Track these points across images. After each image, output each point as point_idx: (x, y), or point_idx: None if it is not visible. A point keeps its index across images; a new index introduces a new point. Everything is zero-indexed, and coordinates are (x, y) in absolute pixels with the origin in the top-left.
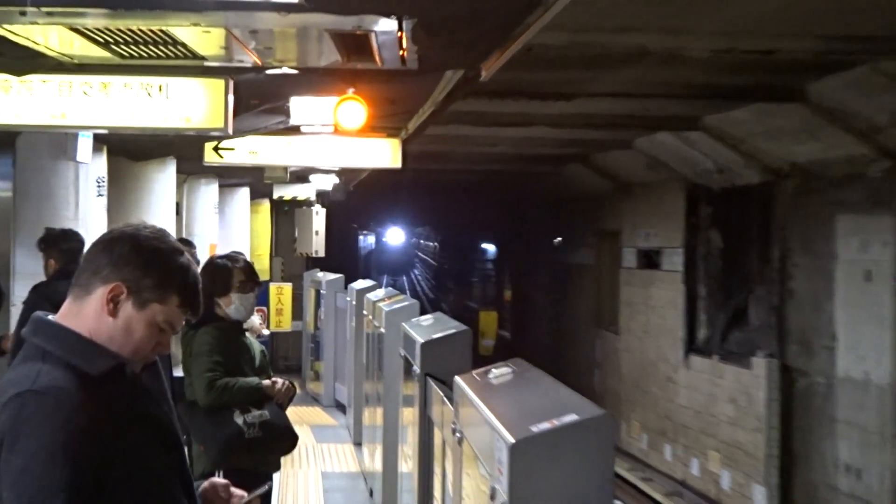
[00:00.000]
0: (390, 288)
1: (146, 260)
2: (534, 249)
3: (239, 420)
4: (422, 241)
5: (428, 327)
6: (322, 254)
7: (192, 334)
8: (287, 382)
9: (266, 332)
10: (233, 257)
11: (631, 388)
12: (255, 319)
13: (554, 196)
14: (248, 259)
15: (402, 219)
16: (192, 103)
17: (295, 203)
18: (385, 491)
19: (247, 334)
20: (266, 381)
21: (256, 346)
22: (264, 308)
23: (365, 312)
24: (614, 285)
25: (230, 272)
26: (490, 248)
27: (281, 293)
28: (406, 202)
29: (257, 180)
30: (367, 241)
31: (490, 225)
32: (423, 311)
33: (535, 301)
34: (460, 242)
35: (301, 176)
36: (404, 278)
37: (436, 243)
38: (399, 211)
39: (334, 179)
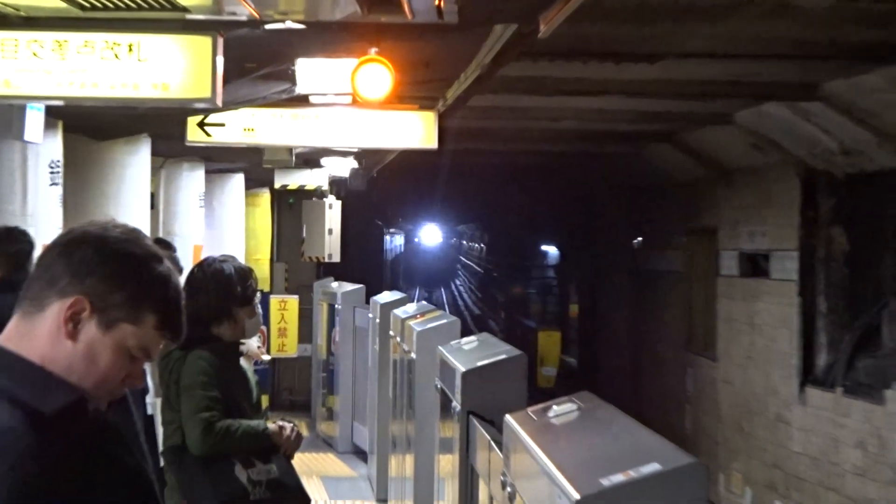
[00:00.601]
0: (424, 302)
1: (115, 268)
2: (607, 253)
3: (242, 477)
4: (464, 243)
5: (471, 352)
6: (337, 258)
7: (180, 358)
8: (296, 428)
9: (266, 357)
10: (232, 260)
11: (731, 429)
12: (253, 342)
13: (632, 185)
14: (241, 262)
15: (440, 214)
16: (172, 67)
17: (302, 194)
18: None
19: (242, 361)
20: (272, 426)
21: (251, 374)
22: (263, 328)
23: (392, 333)
24: (710, 298)
25: (230, 278)
26: (551, 251)
27: (284, 308)
28: (444, 193)
29: (254, 165)
30: (395, 242)
31: (551, 222)
32: (465, 332)
33: (609, 319)
34: (513, 244)
35: (310, 160)
36: (442, 291)
37: (482, 245)
38: (435, 204)
39: (352, 164)
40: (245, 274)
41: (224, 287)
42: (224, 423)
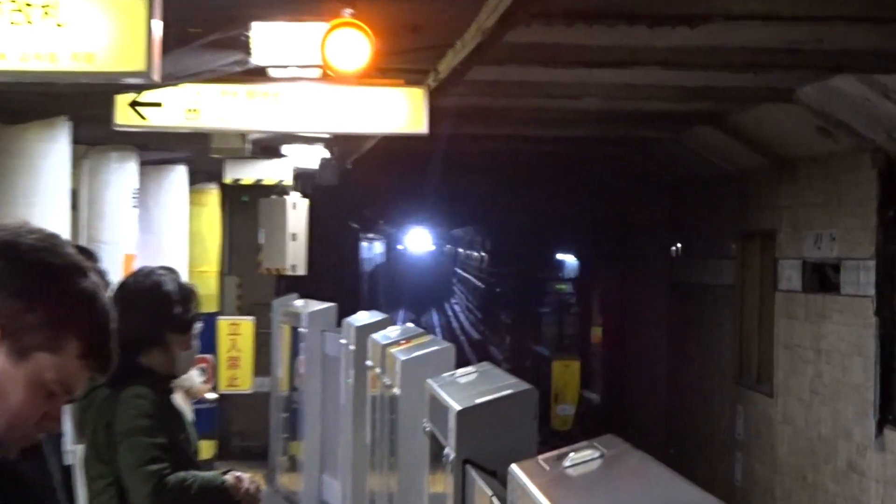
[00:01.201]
0: (410, 324)
1: (29, 283)
2: (639, 263)
3: None
4: (461, 251)
5: (469, 386)
6: (302, 270)
7: (109, 396)
8: (255, 481)
9: (212, 394)
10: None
11: (792, 480)
12: (195, 375)
13: (670, 179)
14: (183, 279)
15: (431, 216)
16: (97, 33)
17: (259, 191)
18: None
19: (174, 396)
20: (229, 477)
21: (188, 416)
22: (209, 356)
23: (369, 363)
24: (766, 318)
25: (169, 297)
26: (569, 260)
27: (237, 333)
28: (436, 190)
29: (200, 155)
30: (374, 250)
31: (569, 225)
32: (461, 361)
33: (641, 344)
34: (521, 252)
35: (269, 148)
36: (434, 313)
37: (482, 253)
38: (425, 203)
39: (322, 153)
40: (188, 294)
41: (161, 306)
42: (176, 476)
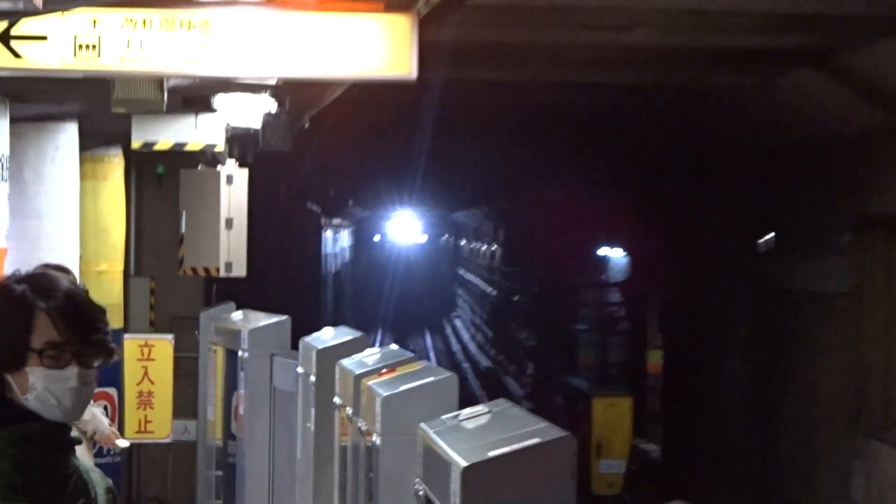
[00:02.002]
0: (393, 346)
1: None
2: (713, 261)
3: None
4: (463, 243)
5: (477, 433)
6: (241, 270)
7: None
8: None
9: (123, 443)
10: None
11: None
12: (101, 418)
13: (755, 144)
14: (74, 282)
15: (422, 194)
16: None
17: (181, 159)
18: None
19: (79, 452)
20: None
21: (98, 480)
22: (109, 391)
23: (338, 400)
24: (894, 339)
25: (31, 310)
26: (615, 257)
27: (149, 358)
28: (429, 158)
29: (97, 109)
30: (341, 241)
31: (614, 209)
32: (466, 398)
33: (718, 374)
34: (548, 246)
35: (195, 99)
36: (427, 336)
37: (493, 245)
38: (413, 177)
39: (268, 106)
40: (100, 310)
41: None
42: None
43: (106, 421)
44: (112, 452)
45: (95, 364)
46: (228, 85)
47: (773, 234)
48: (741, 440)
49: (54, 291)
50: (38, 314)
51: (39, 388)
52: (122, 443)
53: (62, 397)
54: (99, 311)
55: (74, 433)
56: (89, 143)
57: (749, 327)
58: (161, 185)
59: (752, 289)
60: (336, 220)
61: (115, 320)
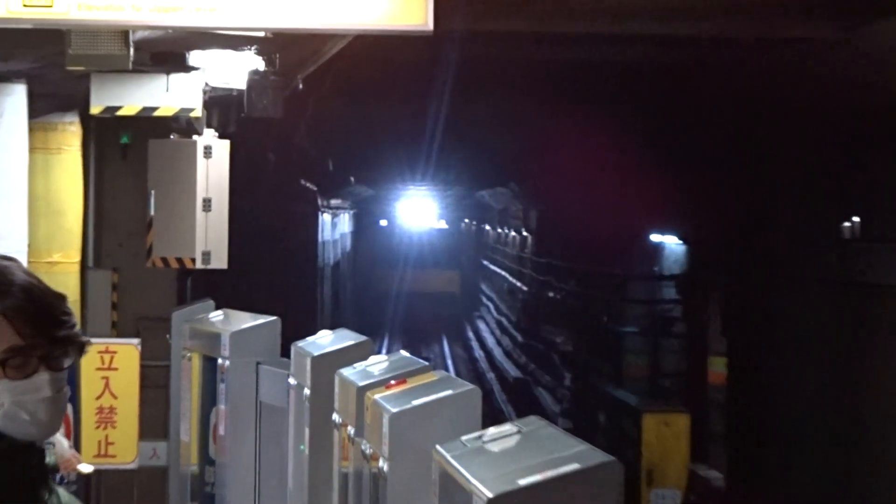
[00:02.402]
0: (402, 352)
1: None
2: (786, 248)
3: None
4: (487, 228)
5: (505, 457)
6: (222, 261)
7: None
8: None
9: (86, 468)
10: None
11: None
12: (58, 437)
13: (835, 111)
14: (26, 270)
15: (437, 171)
16: None
17: (150, 127)
18: None
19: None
20: None
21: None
22: (67, 410)
23: (337, 419)
24: None
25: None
26: (670, 246)
27: (111, 367)
28: (447, 126)
29: (49, 67)
30: (341, 227)
31: (667, 189)
32: (490, 415)
33: (793, 386)
34: (588, 233)
35: (166, 55)
36: (444, 342)
37: (524, 233)
38: (427, 151)
39: (254, 62)
40: (60, 297)
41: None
42: None
43: (66, 442)
44: (66, 480)
45: (66, 365)
46: (207, 38)
47: (857, 220)
48: (821, 465)
49: (8, 286)
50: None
51: (7, 403)
52: (85, 468)
53: (35, 410)
54: (59, 300)
55: (50, 458)
56: (40, 109)
57: (832, 329)
58: (126, 158)
59: (834, 283)
60: (336, 202)
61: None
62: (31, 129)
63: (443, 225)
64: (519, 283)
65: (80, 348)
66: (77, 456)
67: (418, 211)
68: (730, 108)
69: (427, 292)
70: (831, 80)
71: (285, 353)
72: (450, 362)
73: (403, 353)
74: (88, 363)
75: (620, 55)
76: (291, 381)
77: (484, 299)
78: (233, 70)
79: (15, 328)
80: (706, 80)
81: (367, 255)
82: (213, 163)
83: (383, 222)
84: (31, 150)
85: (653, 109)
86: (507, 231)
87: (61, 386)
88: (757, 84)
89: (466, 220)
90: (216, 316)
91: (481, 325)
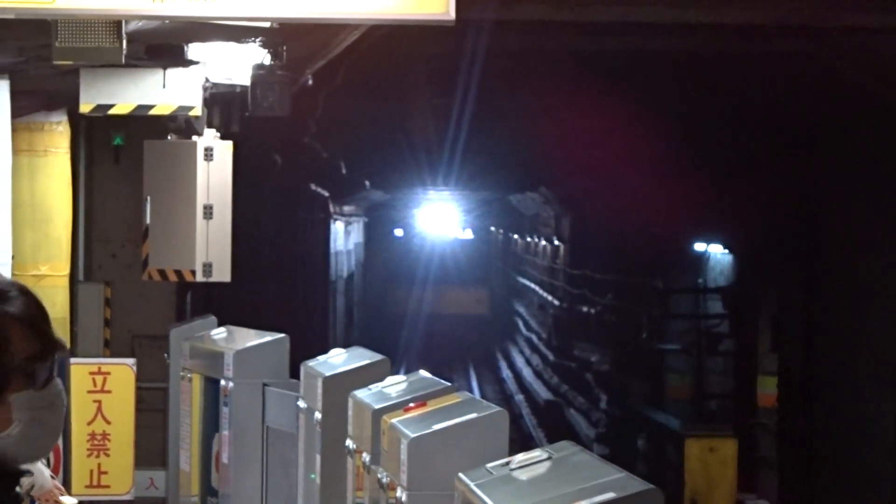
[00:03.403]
0: (422, 372)
1: None
2: (845, 257)
3: None
4: (516, 238)
5: (534, 485)
6: (225, 274)
7: None
8: None
9: (69, 501)
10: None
11: None
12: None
13: None
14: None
15: (462, 174)
16: None
17: (145, 127)
18: None
19: None
20: None
21: None
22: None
23: (351, 444)
24: None
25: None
26: (714, 253)
27: (104, 389)
28: (474, 127)
29: (35, 61)
30: (353, 236)
31: (713, 191)
32: (519, 440)
33: (853, 408)
34: (626, 241)
35: (163, 48)
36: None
37: (556, 242)
38: (448, 151)
39: (259, 56)
40: (43, 310)
41: None
42: None
43: (47, 472)
44: None
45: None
46: (207, 29)
47: None
48: (879, 497)
49: (7, 292)
50: (9, 323)
51: (25, 420)
52: (69, 500)
53: (56, 425)
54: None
55: (19, 487)
56: (25, 107)
57: (894, 346)
58: (119, 161)
59: None
60: (349, 208)
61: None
62: (14, 130)
63: (466, 233)
64: (548, 295)
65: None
66: (59, 487)
67: (441, 219)
68: (787, 103)
69: (450, 314)
70: (890, 71)
71: (294, 373)
72: (474, 383)
73: (423, 373)
74: (79, 385)
75: (661, 45)
76: (301, 403)
77: (519, 322)
78: (235, 64)
79: (34, 334)
80: (758, 74)
81: (379, 271)
82: (214, 166)
83: (399, 232)
84: (15, 152)
85: (701, 105)
86: (536, 239)
87: (65, 397)
88: (814, 77)
89: (496, 228)
90: (218, 333)
91: (513, 344)
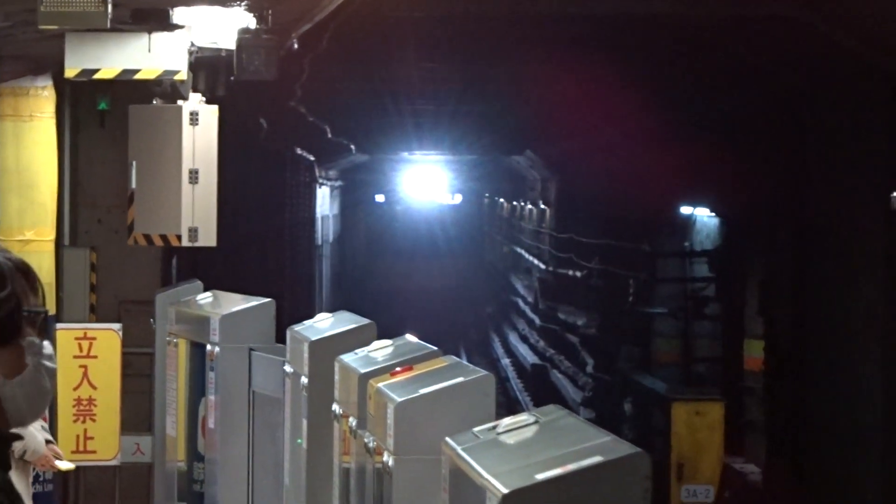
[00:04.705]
0: (408, 336)
1: None
2: (831, 221)
3: None
4: (502, 202)
5: (521, 449)
6: (210, 239)
7: None
8: None
9: (65, 465)
10: None
11: None
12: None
13: (886, 67)
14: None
15: (449, 133)
16: None
17: (130, 91)
18: None
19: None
20: None
21: None
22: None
23: (337, 409)
24: None
25: (4, 268)
26: (701, 217)
27: (90, 354)
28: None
29: (18, 25)
30: (338, 202)
31: (700, 152)
32: (506, 404)
33: (840, 372)
34: (612, 205)
35: (147, 12)
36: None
37: (541, 206)
38: (438, 111)
39: (244, 19)
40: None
41: None
42: None
43: (40, 436)
44: (43, 479)
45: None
46: None
47: None
48: (869, 461)
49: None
50: (11, 274)
51: (32, 364)
52: (65, 465)
53: (49, 380)
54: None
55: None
56: (9, 72)
57: (885, 309)
58: (104, 126)
59: (888, 258)
60: (331, 172)
61: (50, 306)
62: (0, 95)
63: (456, 197)
64: (534, 260)
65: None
66: (57, 451)
67: (431, 181)
68: (773, 64)
69: (435, 289)
70: (882, 37)
71: (280, 338)
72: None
73: (409, 337)
74: (65, 351)
75: (651, 8)
76: (287, 368)
77: (518, 300)
78: (221, 28)
79: (30, 285)
80: (746, 38)
81: (373, 233)
82: (199, 130)
83: (380, 198)
84: (0, 117)
85: (689, 66)
86: (523, 203)
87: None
88: (804, 42)
89: (485, 195)
90: (204, 298)
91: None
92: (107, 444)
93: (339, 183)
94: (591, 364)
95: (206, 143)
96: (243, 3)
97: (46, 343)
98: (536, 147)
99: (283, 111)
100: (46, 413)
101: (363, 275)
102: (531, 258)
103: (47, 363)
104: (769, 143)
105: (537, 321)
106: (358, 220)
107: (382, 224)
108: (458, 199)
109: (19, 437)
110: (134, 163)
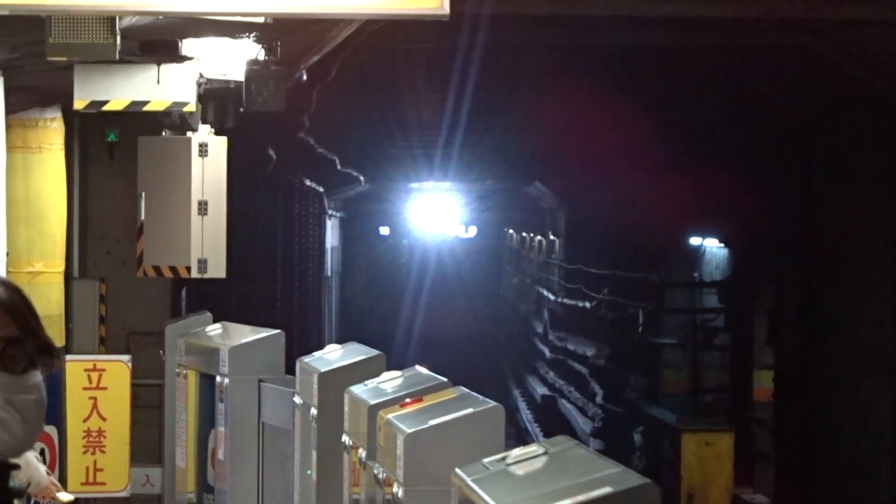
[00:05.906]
0: (418, 368)
1: None
2: (841, 249)
3: None
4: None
5: (531, 480)
6: (220, 270)
7: None
8: None
9: (65, 497)
10: None
11: None
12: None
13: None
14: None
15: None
16: None
17: (140, 123)
18: None
19: None
20: None
21: None
22: (52, 430)
23: (347, 441)
24: None
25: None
26: (710, 247)
27: (99, 386)
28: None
29: (28, 57)
30: (348, 232)
31: (709, 184)
32: (515, 434)
33: (851, 403)
34: (622, 236)
35: (157, 43)
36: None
37: (551, 237)
38: (448, 143)
39: (253, 51)
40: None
41: None
42: None
43: (43, 468)
44: None
45: (48, 372)
46: (201, 25)
47: None
48: (879, 490)
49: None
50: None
51: (1, 401)
52: (65, 497)
53: (25, 412)
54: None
55: (15, 482)
56: (18, 103)
57: (893, 338)
58: (113, 157)
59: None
60: (337, 202)
61: (53, 337)
62: (8, 126)
63: (469, 230)
64: (545, 291)
65: (53, 359)
66: (56, 483)
67: (438, 214)
68: (782, 95)
69: (448, 336)
70: (891, 67)
71: (290, 369)
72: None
73: (419, 368)
74: (74, 382)
75: (657, 39)
76: (297, 399)
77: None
78: (230, 60)
79: (11, 318)
80: (754, 67)
81: (379, 267)
82: (209, 162)
83: (384, 231)
84: (9, 148)
85: (694, 98)
86: (533, 235)
87: (44, 394)
88: (810, 70)
89: (506, 228)
90: (214, 329)
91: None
92: (117, 476)
93: (341, 214)
94: (600, 394)
95: (215, 175)
96: (252, 35)
97: (30, 376)
98: (544, 180)
99: (292, 142)
100: (56, 440)
101: (359, 319)
102: (540, 288)
103: (23, 396)
104: (777, 173)
105: (546, 350)
106: (379, 242)
107: (385, 260)
108: (468, 229)
109: (16, 466)
110: (143, 194)
